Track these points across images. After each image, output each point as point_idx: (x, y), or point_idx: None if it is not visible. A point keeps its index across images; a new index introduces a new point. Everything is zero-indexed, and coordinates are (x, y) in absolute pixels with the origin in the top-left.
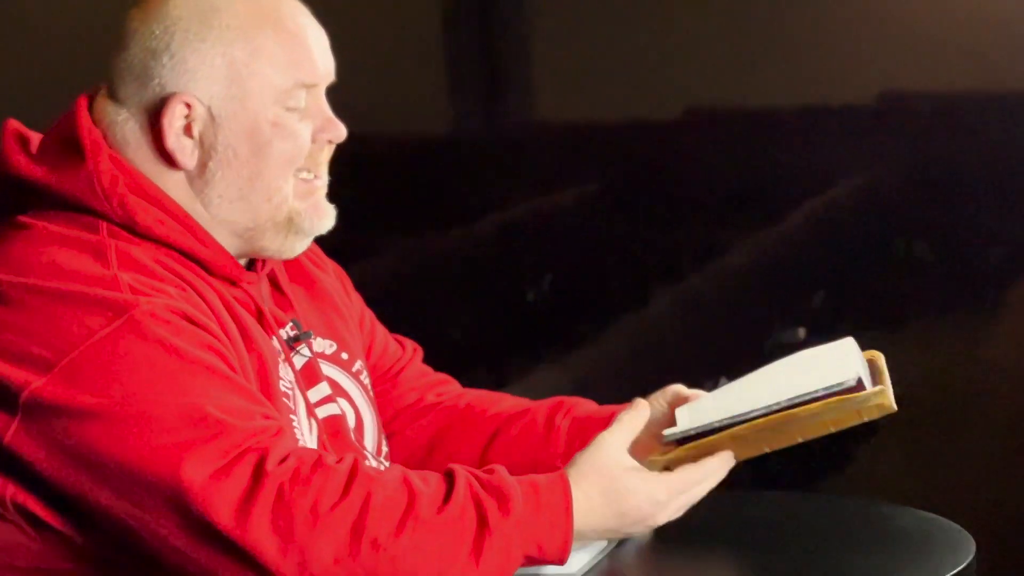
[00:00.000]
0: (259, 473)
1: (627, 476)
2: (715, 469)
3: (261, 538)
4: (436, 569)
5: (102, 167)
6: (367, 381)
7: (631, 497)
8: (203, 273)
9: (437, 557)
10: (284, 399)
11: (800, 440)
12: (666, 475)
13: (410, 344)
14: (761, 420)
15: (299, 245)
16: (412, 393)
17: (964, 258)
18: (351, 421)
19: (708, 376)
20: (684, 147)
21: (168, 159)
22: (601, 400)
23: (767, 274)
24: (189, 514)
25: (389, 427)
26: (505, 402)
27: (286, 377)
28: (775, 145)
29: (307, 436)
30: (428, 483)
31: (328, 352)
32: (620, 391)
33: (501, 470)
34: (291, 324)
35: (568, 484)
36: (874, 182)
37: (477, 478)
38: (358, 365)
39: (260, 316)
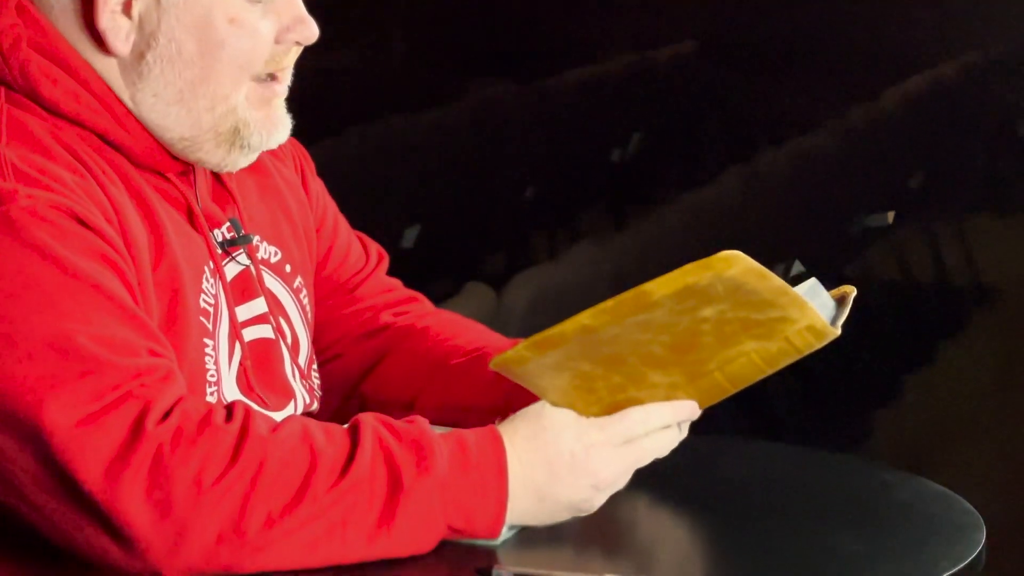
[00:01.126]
0: (137, 429)
1: (553, 423)
2: (663, 414)
3: (132, 507)
4: (340, 541)
5: (4, 22)
6: (306, 301)
7: (556, 440)
8: (122, 161)
9: (341, 527)
10: (201, 318)
11: (727, 384)
12: (596, 419)
13: (375, 250)
14: (610, 302)
15: (242, 160)
16: (367, 311)
17: None
18: (289, 341)
19: (784, 258)
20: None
21: (99, 40)
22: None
23: (865, 148)
24: (49, 463)
25: (332, 348)
26: (470, 333)
27: (209, 291)
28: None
29: (223, 362)
30: (332, 439)
31: (273, 260)
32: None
33: (421, 421)
34: (228, 224)
35: (501, 440)
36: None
37: (390, 429)
38: (299, 281)
39: (191, 214)
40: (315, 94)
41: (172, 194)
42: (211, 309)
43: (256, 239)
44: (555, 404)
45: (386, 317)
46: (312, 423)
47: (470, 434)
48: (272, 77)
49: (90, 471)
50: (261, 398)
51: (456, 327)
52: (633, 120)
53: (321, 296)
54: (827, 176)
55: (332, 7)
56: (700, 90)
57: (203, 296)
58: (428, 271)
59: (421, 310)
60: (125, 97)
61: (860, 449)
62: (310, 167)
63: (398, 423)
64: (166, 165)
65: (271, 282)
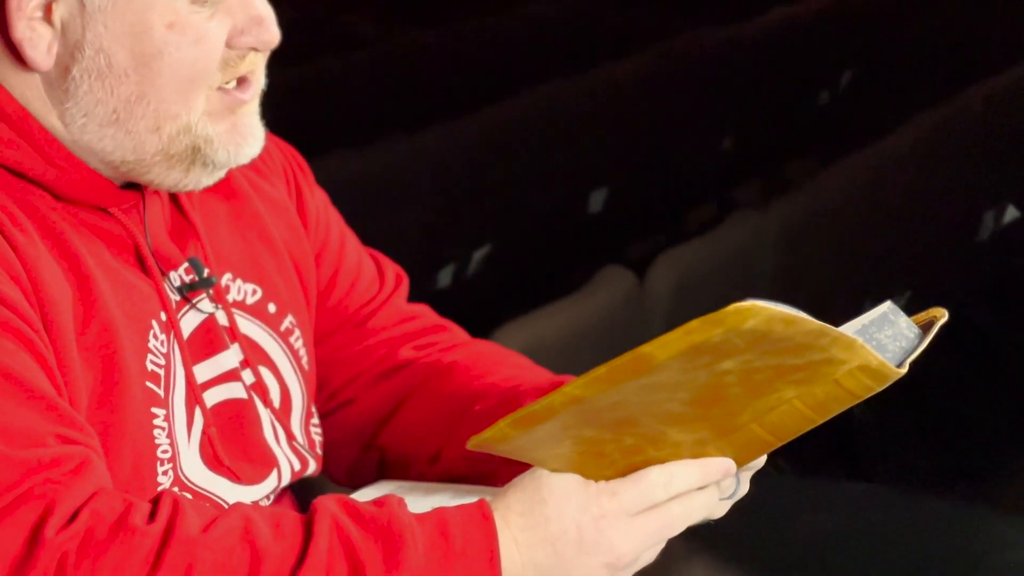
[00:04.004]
0: (35, 537)
1: (553, 492)
2: (689, 474)
3: None
4: None
5: None
6: (298, 344)
7: (560, 514)
8: (41, 200)
9: None
10: (148, 384)
11: (768, 436)
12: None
13: (392, 272)
14: (603, 368)
15: (205, 178)
16: (382, 347)
17: None
18: (275, 397)
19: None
20: None
21: (16, 53)
22: None
23: None
24: None
25: (343, 392)
26: (506, 368)
27: (158, 349)
28: None
29: (180, 434)
30: (281, 534)
31: (250, 301)
32: None
33: (393, 502)
34: (187, 265)
35: (492, 521)
36: None
37: (354, 516)
38: (288, 322)
39: (140, 256)
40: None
41: (115, 233)
42: (161, 372)
43: (227, 278)
44: (558, 471)
45: (406, 353)
46: (258, 514)
47: (454, 514)
48: (240, 81)
49: None
50: (232, 471)
51: (490, 362)
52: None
53: (327, 331)
54: None
55: None
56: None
57: (150, 357)
58: (619, 235)
59: (449, 342)
60: (51, 120)
61: (980, 495)
62: (307, 179)
63: (365, 506)
64: (106, 198)
65: (249, 327)
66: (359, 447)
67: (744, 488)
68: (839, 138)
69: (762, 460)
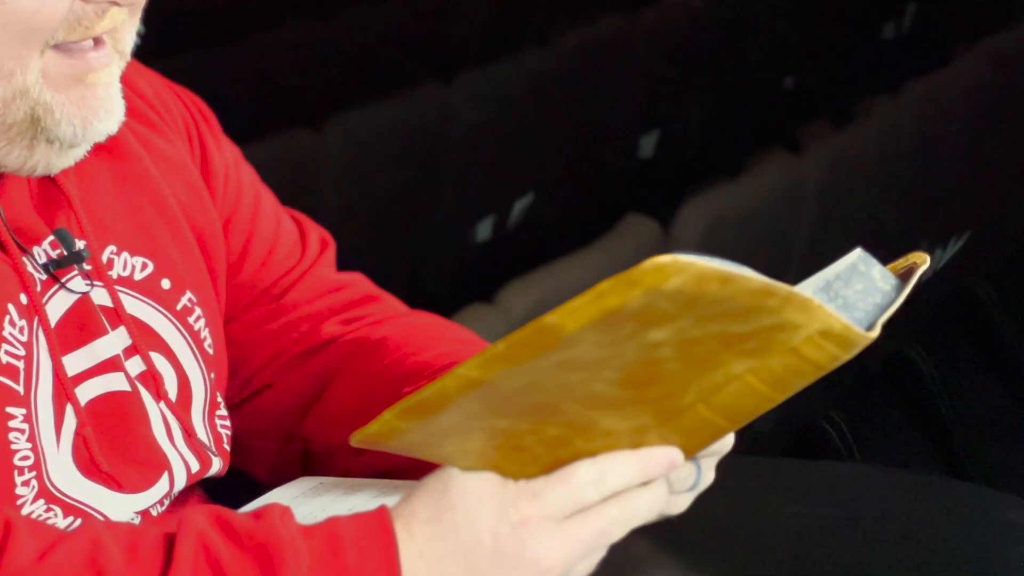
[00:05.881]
0: None
1: (464, 495)
2: (625, 468)
3: None
4: None
5: None
6: (199, 325)
7: (471, 521)
8: None
9: None
10: (2, 378)
11: (718, 419)
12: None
13: (315, 237)
14: (501, 344)
15: (57, 160)
16: (303, 323)
17: None
18: (171, 387)
19: None
20: None
21: None
22: None
23: None
24: None
25: (260, 376)
26: (443, 342)
27: (16, 339)
28: None
29: (45, 437)
30: (136, 559)
31: (138, 277)
32: None
33: (274, 513)
34: (52, 239)
35: (392, 534)
36: None
37: (226, 532)
38: (187, 299)
39: None
40: None
41: None
42: (20, 364)
43: (110, 251)
44: (471, 469)
45: (331, 328)
46: (112, 534)
47: (348, 525)
48: (96, 43)
49: None
50: (111, 478)
51: (425, 336)
52: None
53: (241, 308)
54: None
55: None
56: None
57: (5, 347)
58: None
59: (381, 314)
60: None
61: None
62: (213, 133)
63: (241, 520)
64: None
65: (138, 308)
66: (280, 438)
67: (708, 477)
68: (906, 74)
69: (728, 443)
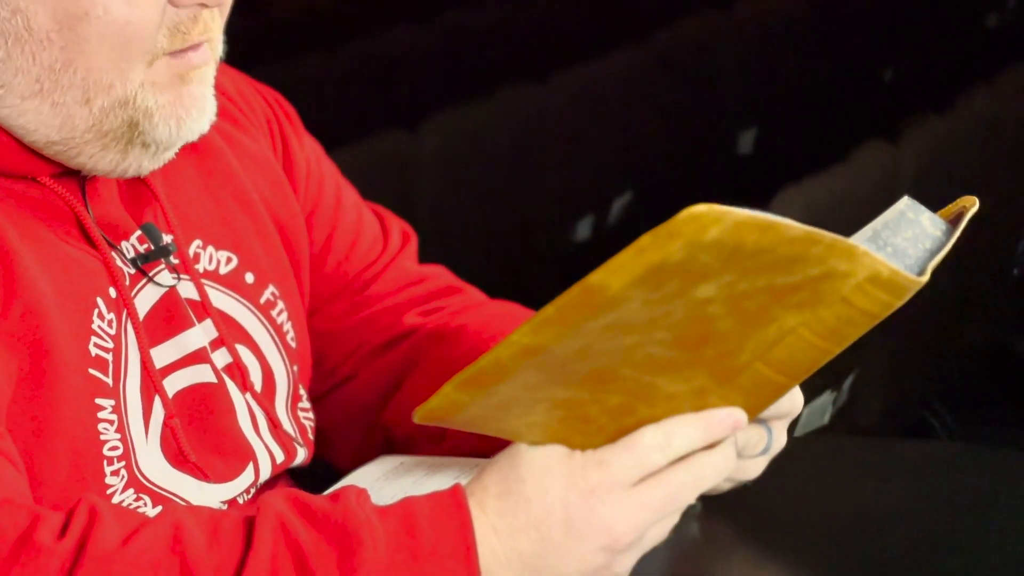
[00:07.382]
0: None
1: (532, 468)
2: (690, 432)
3: None
4: None
5: None
6: (282, 319)
7: (542, 493)
8: None
9: None
10: (92, 371)
11: (778, 376)
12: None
13: (396, 231)
14: (550, 307)
15: (148, 162)
16: (386, 315)
17: None
18: (256, 379)
19: None
20: None
21: None
22: None
23: None
24: None
25: (343, 367)
26: None
27: (105, 331)
28: None
29: (135, 428)
30: (217, 542)
31: (224, 271)
32: None
33: (351, 494)
34: (139, 233)
35: (467, 510)
36: None
37: (305, 514)
38: (269, 293)
39: (83, 227)
40: None
41: (49, 202)
42: (109, 356)
43: (196, 245)
44: (538, 444)
45: (411, 319)
46: (193, 518)
47: (423, 504)
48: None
49: None
50: (198, 468)
51: (503, 323)
52: None
53: (324, 300)
54: None
55: None
56: None
57: (95, 340)
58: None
59: (460, 304)
60: None
61: None
62: (295, 129)
63: (320, 502)
64: (32, 166)
65: (223, 301)
66: (363, 428)
67: (780, 441)
68: (1010, 63)
69: (798, 404)
